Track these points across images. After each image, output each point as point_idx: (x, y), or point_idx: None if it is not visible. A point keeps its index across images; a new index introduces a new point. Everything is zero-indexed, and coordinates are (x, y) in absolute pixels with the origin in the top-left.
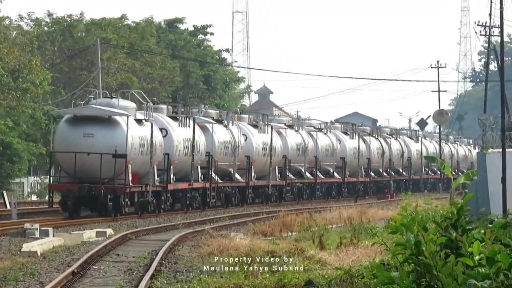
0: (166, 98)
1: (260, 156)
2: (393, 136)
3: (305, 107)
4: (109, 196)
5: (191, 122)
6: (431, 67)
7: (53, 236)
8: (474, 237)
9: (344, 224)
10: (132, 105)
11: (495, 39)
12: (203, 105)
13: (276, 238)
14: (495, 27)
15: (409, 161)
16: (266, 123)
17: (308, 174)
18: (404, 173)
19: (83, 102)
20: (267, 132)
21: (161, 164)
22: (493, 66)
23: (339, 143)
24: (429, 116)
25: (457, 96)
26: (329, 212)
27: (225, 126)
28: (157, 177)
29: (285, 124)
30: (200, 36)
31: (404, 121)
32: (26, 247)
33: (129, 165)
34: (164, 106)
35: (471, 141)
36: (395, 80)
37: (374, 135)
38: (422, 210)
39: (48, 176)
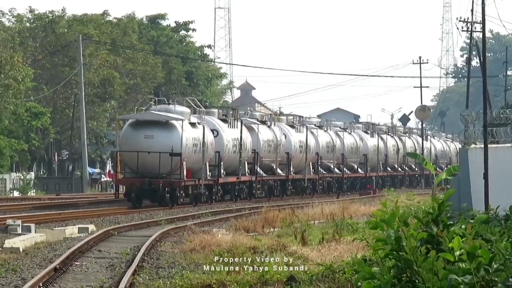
0: (148, 94)
1: (297, 153)
2: (407, 134)
3: (287, 103)
4: (166, 188)
5: (239, 124)
6: (413, 63)
7: (35, 232)
8: (455, 233)
9: (326, 220)
10: (187, 110)
11: (477, 35)
12: (249, 108)
13: (258, 234)
14: (477, 23)
15: None
16: (302, 123)
17: (336, 170)
18: (416, 168)
19: (144, 108)
20: (303, 132)
21: (213, 161)
22: (475, 62)
23: (362, 142)
24: (411, 112)
25: (439, 92)
26: (311, 208)
27: (268, 126)
28: (209, 172)
29: (315, 124)
30: (182, 32)
31: (387, 117)
32: (8, 243)
33: (184, 162)
34: (216, 110)
35: (450, 135)
36: (377, 76)
37: (390, 133)
38: (404, 206)
39: (107, 172)
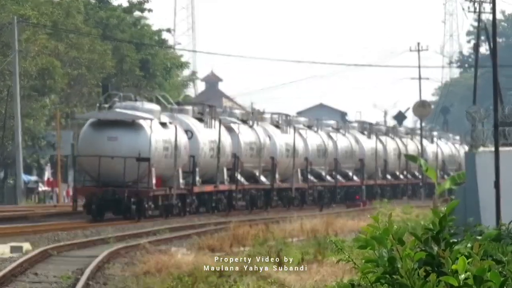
0: (95, 87)
1: (283, 158)
2: (409, 135)
3: (261, 98)
4: (132, 199)
5: (217, 123)
6: (411, 51)
7: None
8: (459, 252)
9: (306, 238)
10: (156, 108)
11: (486, 17)
12: (225, 106)
13: (226, 254)
14: (485, 2)
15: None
16: (289, 123)
17: (328, 177)
18: (420, 176)
19: (107, 106)
20: (290, 133)
21: (187, 166)
22: (484, 48)
23: (358, 144)
24: (408, 109)
25: (441, 85)
26: (289, 223)
27: (250, 126)
28: (182, 179)
29: (303, 124)
30: (136, 13)
31: (379, 115)
32: None
33: (153, 169)
34: (190, 107)
35: (457, 137)
36: (368, 65)
37: (390, 135)
38: (399, 220)
39: (73, 180)
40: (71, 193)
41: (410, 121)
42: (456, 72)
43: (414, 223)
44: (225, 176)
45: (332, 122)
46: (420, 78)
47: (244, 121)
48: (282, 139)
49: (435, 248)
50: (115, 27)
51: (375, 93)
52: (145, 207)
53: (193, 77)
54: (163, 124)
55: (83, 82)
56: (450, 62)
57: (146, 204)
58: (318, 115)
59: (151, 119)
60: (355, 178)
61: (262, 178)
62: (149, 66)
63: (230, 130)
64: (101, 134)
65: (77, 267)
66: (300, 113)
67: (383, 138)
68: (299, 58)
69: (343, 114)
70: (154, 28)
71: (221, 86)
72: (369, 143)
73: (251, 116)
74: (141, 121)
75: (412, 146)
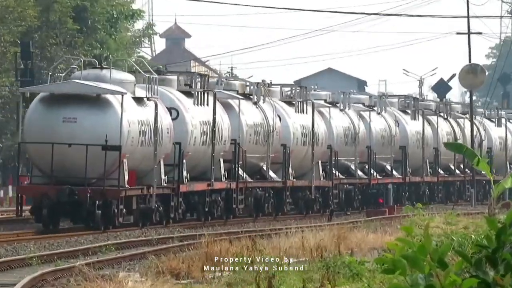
0: (10, 46)
1: (299, 146)
2: (467, 116)
3: (243, 61)
4: (97, 202)
5: (211, 98)
6: None
7: None
8: None
9: (310, 258)
10: (130, 78)
11: None
12: (225, 74)
13: (196, 281)
14: None
15: (489, 154)
16: (306, 99)
17: (359, 172)
18: (483, 171)
19: (62, 75)
20: (307, 113)
21: (170, 157)
22: None
23: (398, 127)
24: (454, 76)
25: (500, 42)
26: (286, 238)
27: (255, 103)
28: (164, 175)
29: (325, 100)
30: None
31: (412, 85)
32: None
33: (125, 160)
34: (174, 77)
35: None
36: (395, 15)
37: (442, 113)
38: (441, 233)
39: (17, 175)
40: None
41: (456, 93)
42: None
43: (461, 237)
44: (222, 171)
45: (363, 96)
46: (469, 33)
47: (247, 96)
48: (297, 120)
49: (491, 273)
50: None
51: (405, 55)
52: (115, 213)
53: (149, 31)
54: (139, 100)
55: None
56: None
57: (115, 208)
58: (326, 84)
59: (122, 94)
60: (394, 173)
61: (271, 173)
62: (87, 16)
63: (228, 107)
64: (54, 114)
65: None
66: (298, 82)
67: (432, 118)
68: (297, 5)
69: (360, 83)
70: None
71: (189, 44)
72: (413, 126)
73: (256, 89)
74: (109, 96)
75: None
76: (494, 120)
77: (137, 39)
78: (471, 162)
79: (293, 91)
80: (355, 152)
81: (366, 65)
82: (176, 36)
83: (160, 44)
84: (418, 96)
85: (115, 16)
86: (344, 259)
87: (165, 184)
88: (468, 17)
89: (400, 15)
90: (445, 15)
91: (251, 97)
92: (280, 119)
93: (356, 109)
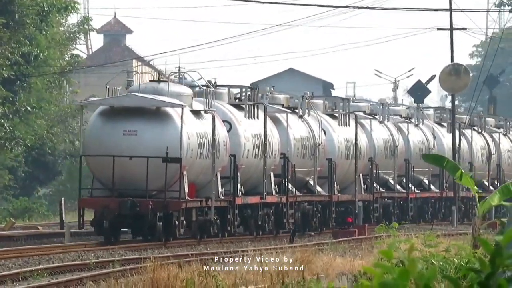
0: None
1: (342, 159)
2: (502, 130)
3: (193, 60)
4: (158, 214)
5: (261, 112)
6: None
7: None
8: None
9: (270, 285)
10: (188, 91)
11: None
12: (268, 88)
13: None
14: None
15: (499, 168)
16: (348, 111)
17: (397, 186)
18: None
19: (119, 89)
20: (349, 125)
21: (226, 170)
22: None
23: (435, 140)
24: (433, 78)
25: (486, 39)
26: (243, 262)
27: (300, 116)
28: (221, 188)
29: (364, 112)
30: None
31: (385, 88)
32: None
33: (185, 172)
34: (225, 90)
35: None
36: (367, 8)
37: (475, 127)
38: (420, 256)
39: (78, 189)
40: None
41: (435, 97)
42: (509, 18)
43: (443, 261)
44: (273, 184)
45: (400, 108)
46: (452, 29)
47: (292, 110)
48: (341, 134)
49: None
50: None
51: (377, 54)
52: (175, 224)
53: (85, 26)
54: (196, 113)
55: None
56: (501, 4)
57: (176, 220)
58: (287, 86)
59: (182, 106)
60: (432, 187)
61: (318, 188)
62: (14, 9)
63: (275, 121)
64: (114, 127)
65: None
66: (253, 84)
67: (467, 132)
68: None
69: (326, 86)
70: None
71: (130, 41)
72: (450, 139)
73: (302, 102)
74: (168, 109)
75: (507, 144)
76: (502, 130)
77: (71, 35)
78: (453, 176)
79: (334, 104)
80: (394, 165)
81: (333, 66)
82: (115, 31)
83: (97, 41)
84: (392, 101)
85: (46, 9)
86: (310, 285)
87: (222, 197)
88: (450, 10)
89: (373, 8)
90: (424, 8)
91: (296, 110)
92: (324, 133)
93: (394, 120)
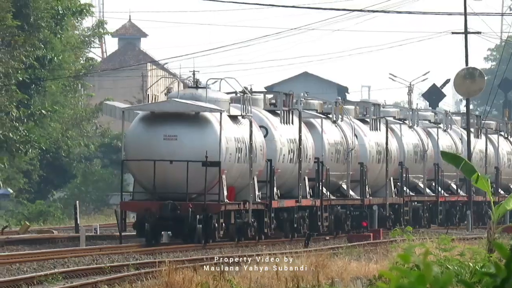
0: None
1: (374, 163)
2: None
3: (206, 64)
4: (198, 216)
5: (295, 117)
6: None
7: None
8: None
9: None
10: (225, 97)
11: None
12: (302, 94)
13: None
14: None
15: None
16: (378, 116)
17: (427, 190)
18: None
19: (158, 95)
20: (381, 130)
21: (262, 174)
22: None
23: (462, 145)
24: (447, 82)
25: (500, 43)
26: (256, 266)
27: (334, 121)
28: (258, 191)
29: (394, 117)
30: None
31: (400, 92)
32: None
33: (223, 176)
34: (260, 96)
35: None
36: (382, 12)
37: (502, 132)
38: (434, 260)
39: (120, 192)
40: None
41: (450, 101)
42: None
43: (458, 265)
44: (307, 188)
45: (428, 113)
46: (466, 32)
47: (326, 115)
48: (372, 138)
49: None
50: None
51: (392, 58)
52: (215, 227)
53: (99, 30)
54: (234, 118)
55: None
56: None
57: (216, 223)
58: (301, 90)
59: (220, 111)
60: (460, 191)
61: (351, 192)
62: (29, 12)
63: (309, 126)
64: (155, 132)
65: None
66: (268, 88)
67: (493, 137)
68: (265, 0)
69: (341, 90)
70: None
71: (144, 45)
72: (477, 144)
73: (335, 108)
74: (207, 114)
75: None
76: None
77: (86, 39)
78: (468, 178)
79: (366, 109)
80: (423, 169)
81: (348, 69)
82: (130, 35)
83: (112, 45)
84: (407, 105)
85: (61, 12)
86: None
87: (259, 200)
88: (465, 14)
89: (388, 12)
90: (439, 11)
91: (330, 116)
92: (357, 137)
93: (423, 125)
